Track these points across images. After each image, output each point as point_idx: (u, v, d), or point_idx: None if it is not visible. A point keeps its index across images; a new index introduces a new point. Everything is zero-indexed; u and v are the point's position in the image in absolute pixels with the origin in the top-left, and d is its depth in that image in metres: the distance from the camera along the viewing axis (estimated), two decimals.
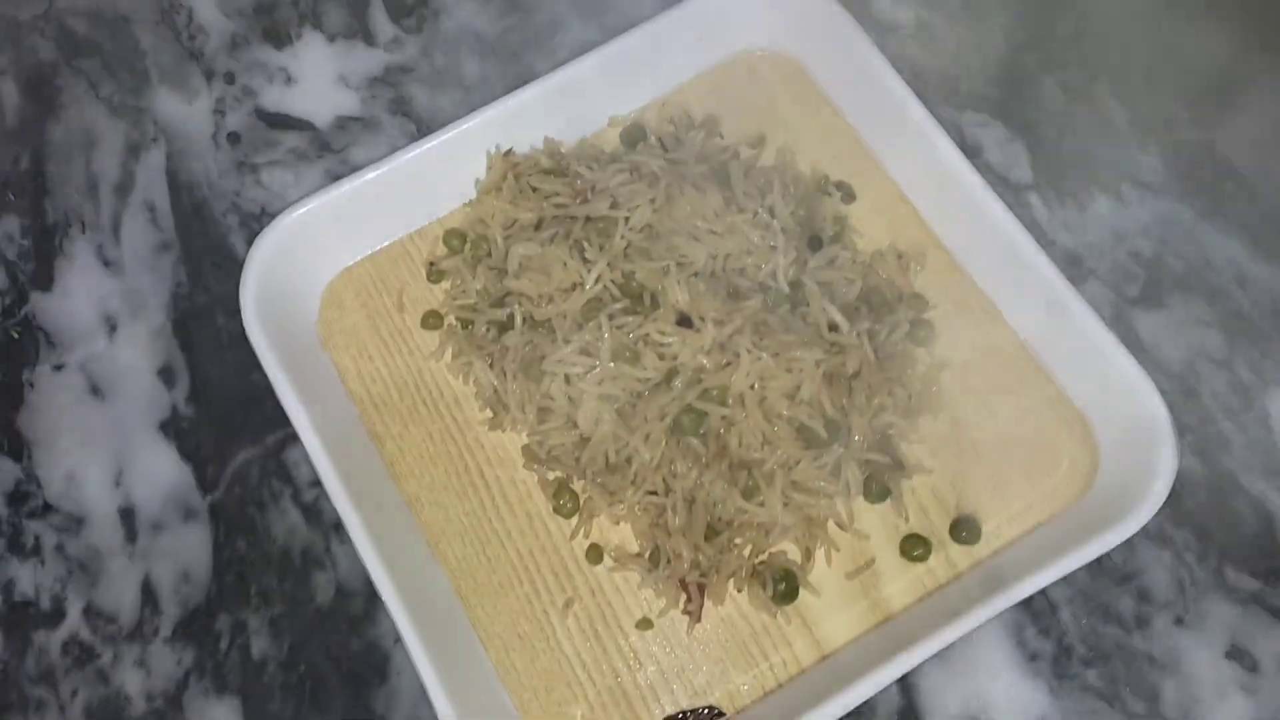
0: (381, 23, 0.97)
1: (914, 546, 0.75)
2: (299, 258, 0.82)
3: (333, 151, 0.92)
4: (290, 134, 0.93)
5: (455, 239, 0.89)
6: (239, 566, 0.79)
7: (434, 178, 0.84)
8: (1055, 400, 0.79)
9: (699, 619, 0.74)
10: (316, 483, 0.79)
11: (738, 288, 0.78)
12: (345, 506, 0.71)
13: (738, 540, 0.74)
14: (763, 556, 0.75)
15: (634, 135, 0.89)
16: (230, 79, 0.95)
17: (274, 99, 0.94)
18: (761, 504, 0.74)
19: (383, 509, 0.75)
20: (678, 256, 0.77)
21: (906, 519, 0.77)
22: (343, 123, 0.94)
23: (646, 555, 0.75)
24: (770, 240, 0.79)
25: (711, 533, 0.74)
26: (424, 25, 0.96)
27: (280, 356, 0.76)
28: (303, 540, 0.78)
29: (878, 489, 0.77)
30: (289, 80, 0.95)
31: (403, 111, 0.94)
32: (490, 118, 0.83)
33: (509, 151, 0.89)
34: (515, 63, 0.92)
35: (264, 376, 0.74)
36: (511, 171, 0.88)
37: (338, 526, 0.78)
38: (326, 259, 0.84)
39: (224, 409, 0.83)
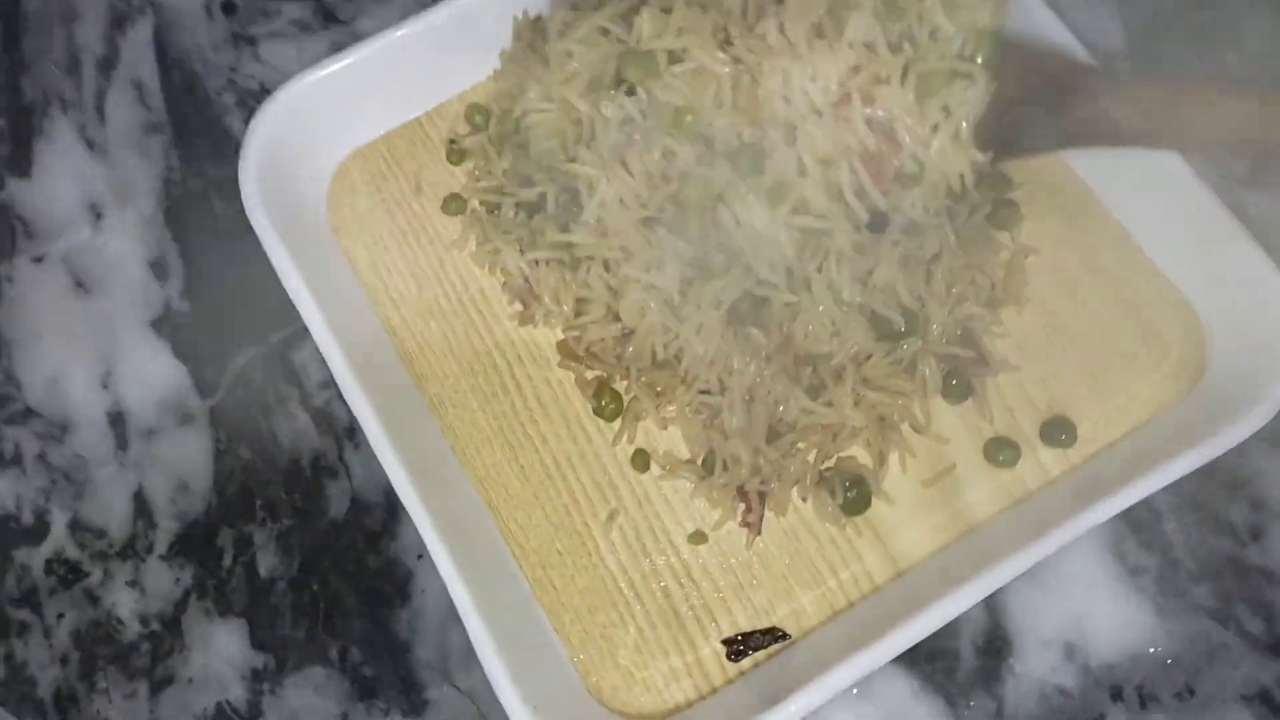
0: None
1: (999, 450, 0.69)
2: (305, 135, 0.76)
3: (339, 22, 0.86)
4: (291, 2, 0.86)
5: (479, 115, 0.80)
6: (242, 476, 0.73)
7: (454, 47, 0.77)
8: (1158, 287, 0.73)
9: (759, 531, 0.68)
10: (328, 384, 0.72)
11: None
12: (362, 408, 0.65)
13: (802, 444, 0.68)
14: (830, 462, 0.69)
15: None
16: None
17: None
18: (829, 403, 0.67)
19: (403, 413, 0.69)
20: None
21: (991, 420, 0.70)
22: None
23: (699, 461, 0.69)
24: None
25: (773, 435, 0.68)
26: None
27: (287, 244, 0.70)
28: (313, 447, 0.73)
29: (959, 387, 0.70)
30: None
31: None
32: None
33: (537, 18, 0.80)
34: None
35: (267, 268, 0.68)
36: (539, 36, 0.78)
37: (352, 432, 0.73)
38: (336, 137, 0.78)
39: (223, 304, 0.78)
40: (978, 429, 0.70)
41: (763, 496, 0.68)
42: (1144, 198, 0.74)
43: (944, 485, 0.69)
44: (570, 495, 0.71)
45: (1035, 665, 0.67)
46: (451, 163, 0.79)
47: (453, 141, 0.80)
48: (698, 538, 0.69)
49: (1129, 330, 0.72)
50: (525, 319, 0.74)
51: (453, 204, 0.78)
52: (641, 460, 0.70)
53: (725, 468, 0.68)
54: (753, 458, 0.67)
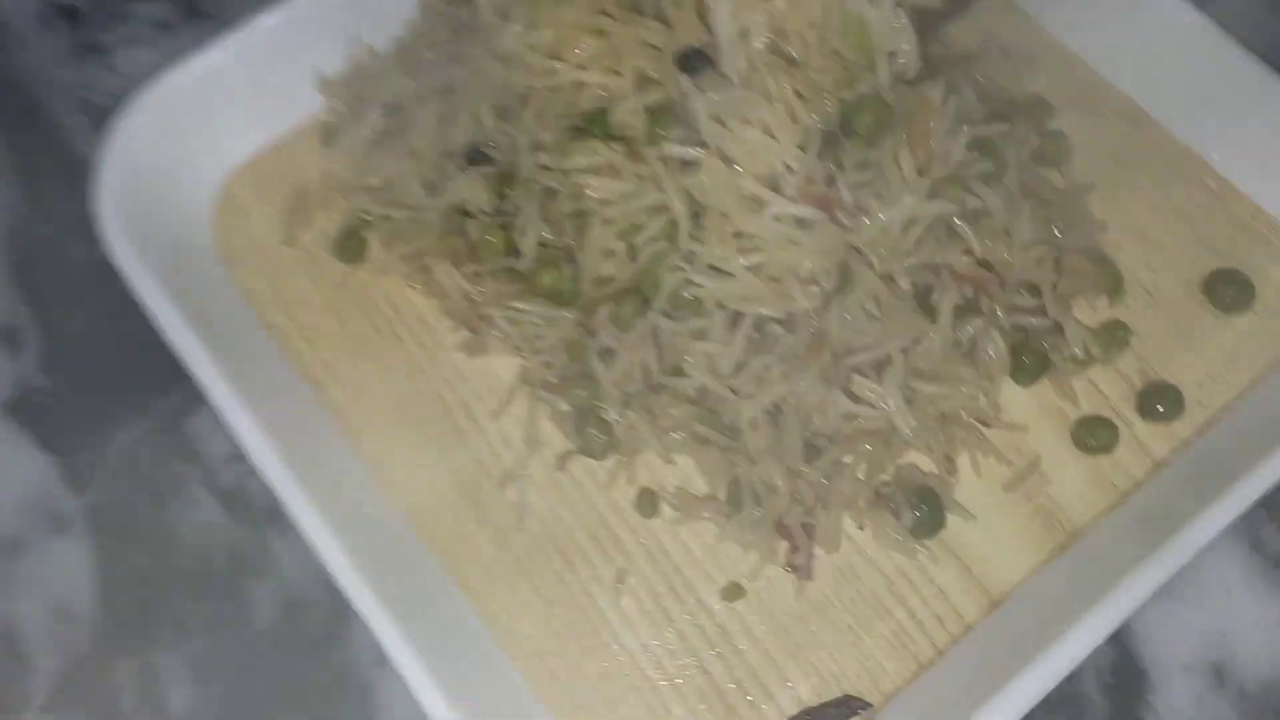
0: None
1: (1092, 432, 0.59)
2: (174, 152, 0.66)
3: (205, 15, 0.77)
4: (145, 2, 0.78)
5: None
6: (138, 589, 0.62)
7: (340, 29, 0.68)
8: (1242, 215, 0.64)
9: (810, 574, 0.57)
10: (237, 457, 0.62)
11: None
12: (285, 483, 0.55)
13: (848, 457, 0.57)
14: (886, 475, 0.58)
15: None
16: None
17: None
18: (876, 404, 0.56)
19: (337, 480, 0.59)
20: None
21: (1075, 399, 0.60)
22: None
23: (722, 495, 0.58)
24: None
25: (811, 451, 0.57)
26: None
27: (167, 289, 0.60)
28: (227, 539, 0.63)
29: (1031, 362, 0.59)
30: None
31: None
32: None
33: None
34: None
35: (144, 321, 0.59)
36: None
37: (275, 515, 0.62)
38: (213, 151, 0.68)
39: (93, 373, 0.68)
40: (1060, 411, 0.60)
41: (808, 529, 0.57)
42: (1208, 108, 0.64)
43: (1029, 486, 0.59)
44: (563, 559, 0.58)
45: (1179, 698, 0.57)
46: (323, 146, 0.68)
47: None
48: (733, 592, 0.57)
49: (1216, 267, 0.63)
50: (474, 347, 0.63)
51: (350, 242, 0.66)
52: (648, 502, 0.59)
53: (756, 499, 0.57)
54: (789, 482, 0.56)
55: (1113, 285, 0.61)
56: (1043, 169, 0.63)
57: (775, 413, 0.57)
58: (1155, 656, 0.57)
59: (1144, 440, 0.59)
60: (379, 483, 0.60)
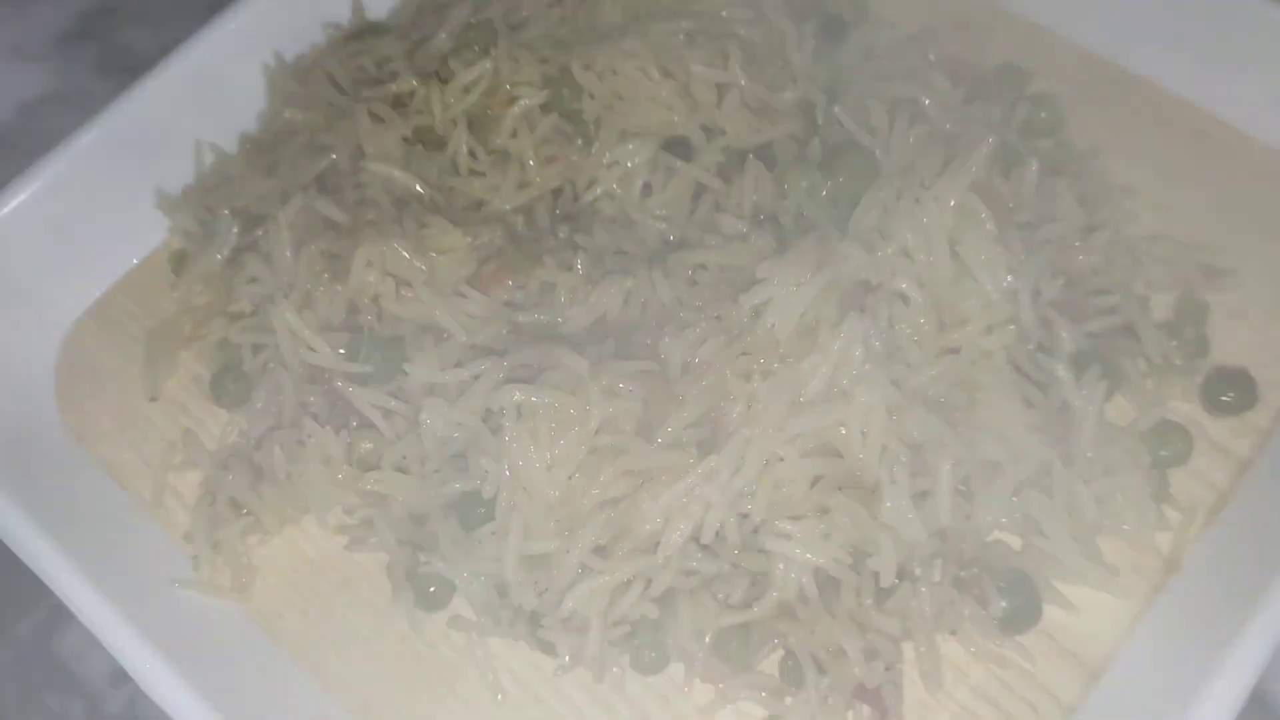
0: None
1: (1161, 442, 0.50)
2: None
3: (22, 152, 0.63)
4: None
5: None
6: None
7: (186, 127, 0.60)
8: (1262, 158, 0.57)
9: None
10: (123, 676, 0.49)
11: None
12: (183, 701, 0.45)
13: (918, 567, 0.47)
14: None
15: None
16: None
17: None
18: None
19: (268, 687, 0.50)
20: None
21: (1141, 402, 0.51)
22: (30, 108, 0.70)
23: (778, 671, 0.48)
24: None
25: (882, 592, 0.47)
26: None
27: (11, 490, 0.50)
28: None
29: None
30: None
31: (123, 67, 0.71)
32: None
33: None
34: None
35: None
36: (301, 80, 0.60)
37: None
38: (43, 307, 0.59)
39: None
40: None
41: (895, 681, 0.46)
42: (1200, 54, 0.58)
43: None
44: None
45: None
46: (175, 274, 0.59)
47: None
48: None
49: (1249, 228, 0.55)
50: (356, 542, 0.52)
51: (230, 383, 0.55)
52: None
53: (820, 668, 0.46)
54: (859, 638, 0.46)
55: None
56: (1037, 140, 0.55)
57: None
58: None
59: (1219, 441, 0.50)
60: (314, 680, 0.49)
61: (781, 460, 0.44)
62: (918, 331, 0.45)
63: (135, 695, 0.54)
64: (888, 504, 0.44)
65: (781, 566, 0.45)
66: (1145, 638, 0.47)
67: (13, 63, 0.72)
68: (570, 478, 0.44)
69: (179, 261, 0.57)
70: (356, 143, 0.54)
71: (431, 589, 0.49)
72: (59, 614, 0.56)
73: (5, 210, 0.56)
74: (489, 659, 0.48)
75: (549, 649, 0.47)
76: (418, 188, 0.52)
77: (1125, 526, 0.47)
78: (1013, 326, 0.46)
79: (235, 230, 0.55)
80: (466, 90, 0.54)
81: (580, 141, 0.53)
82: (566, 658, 0.46)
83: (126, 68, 0.71)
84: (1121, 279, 0.51)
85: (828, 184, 0.49)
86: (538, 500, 0.44)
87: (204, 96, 0.61)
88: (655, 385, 0.45)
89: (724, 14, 0.55)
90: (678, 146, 0.53)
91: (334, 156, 0.55)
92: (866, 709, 0.47)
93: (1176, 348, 0.50)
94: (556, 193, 0.54)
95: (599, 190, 0.53)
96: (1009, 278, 0.45)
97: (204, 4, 0.70)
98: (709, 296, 0.47)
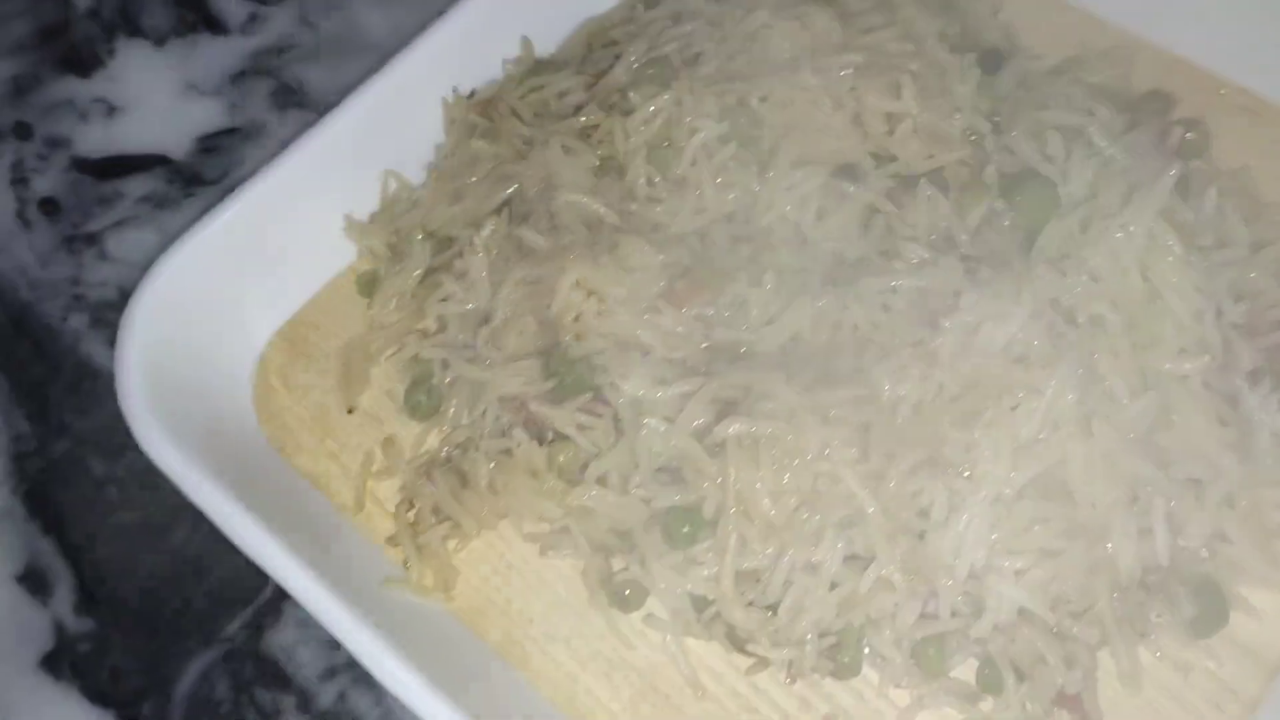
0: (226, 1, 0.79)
1: None
2: (199, 335, 0.59)
3: (206, 183, 0.71)
4: (134, 179, 0.72)
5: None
6: None
7: (368, 158, 0.62)
8: None
9: None
10: (335, 670, 0.55)
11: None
12: (408, 683, 0.46)
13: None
14: None
15: None
16: (25, 132, 0.75)
17: (96, 140, 0.75)
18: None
19: (465, 673, 0.50)
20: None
21: None
22: (209, 143, 0.73)
23: (975, 678, 0.49)
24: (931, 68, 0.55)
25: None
26: None
27: (220, 481, 0.52)
28: None
29: None
30: (111, 111, 0.76)
31: (295, 103, 0.74)
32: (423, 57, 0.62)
33: (472, 93, 0.64)
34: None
35: (197, 526, 0.55)
36: (483, 113, 0.62)
37: None
38: (241, 327, 0.61)
39: (141, 602, 0.59)
40: None
41: (1091, 688, 0.47)
42: None
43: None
44: None
45: None
46: (361, 295, 0.61)
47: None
48: None
49: None
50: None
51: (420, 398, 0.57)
52: None
53: (1019, 675, 0.47)
54: (1060, 647, 0.47)
55: None
56: (1188, 162, 0.57)
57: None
58: None
59: None
60: (517, 667, 0.51)
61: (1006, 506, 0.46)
62: (1117, 356, 0.46)
63: (345, 690, 0.55)
64: (1110, 545, 0.45)
65: (996, 598, 0.46)
66: None
67: (189, 98, 0.73)
68: (796, 508, 0.46)
69: (367, 283, 0.60)
70: (544, 172, 0.57)
71: (627, 592, 0.51)
72: (266, 615, 0.59)
73: (204, 245, 0.58)
74: (685, 655, 0.50)
75: (741, 647, 0.50)
76: (606, 212, 0.56)
77: None
78: (1208, 357, 0.47)
79: (427, 252, 0.58)
80: (648, 121, 0.57)
81: (755, 168, 0.56)
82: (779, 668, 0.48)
83: (297, 103, 0.74)
84: None
85: (1009, 211, 0.51)
86: (759, 522, 0.46)
87: (383, 130, 0.62)
88: (866, 412, 0.46)
89: (890, 48, 0.58)
90: (847, 172, 0.56)
91: (518, 185, 0.59)
92: (1065, 715, 0.47)
93: None
94: (729, 217, 0.57)
95: (773, 214, 0.56)
96: (1199, 300, 0.47)
97: (367, 44, 0.76)
98: (902, 322, 0.49)
